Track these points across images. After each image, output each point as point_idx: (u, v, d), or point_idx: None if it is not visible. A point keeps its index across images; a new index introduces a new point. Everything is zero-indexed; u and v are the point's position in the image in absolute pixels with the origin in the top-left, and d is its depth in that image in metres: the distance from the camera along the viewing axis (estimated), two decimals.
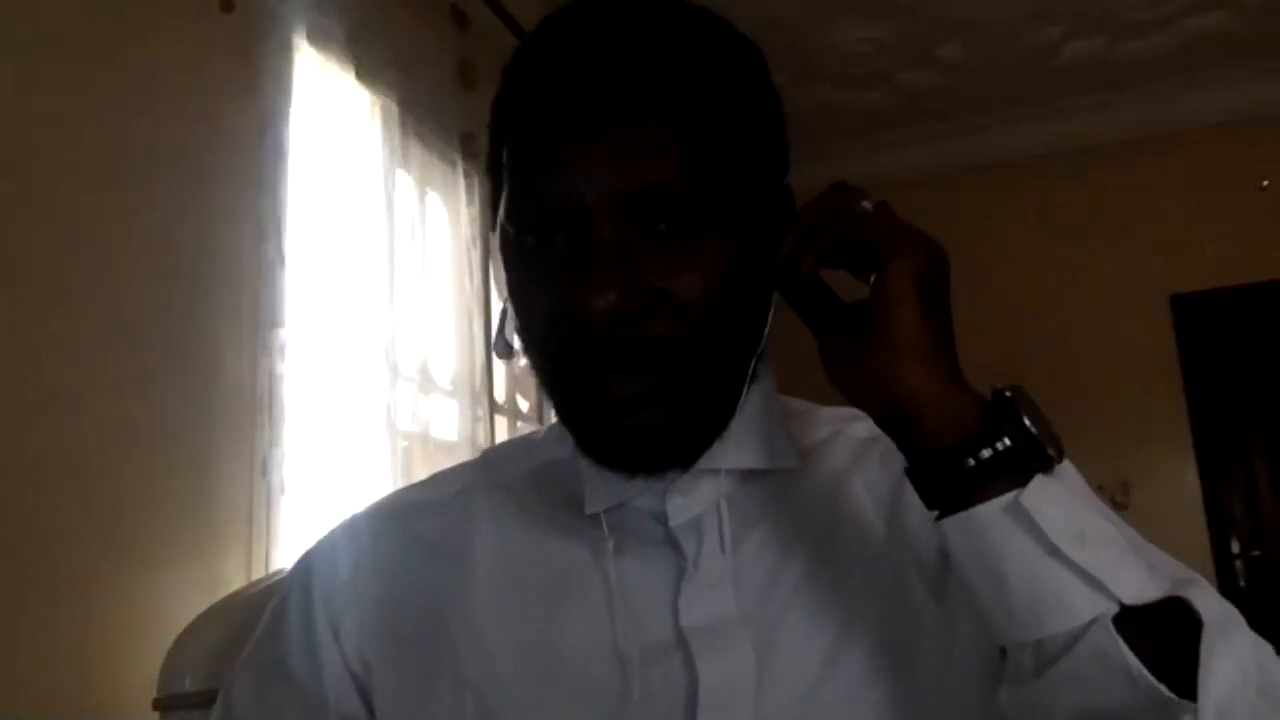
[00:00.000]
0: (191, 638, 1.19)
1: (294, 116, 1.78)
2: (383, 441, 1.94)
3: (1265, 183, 3.80)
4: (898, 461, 0.58)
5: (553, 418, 0.63)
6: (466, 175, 2.46)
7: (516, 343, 0.62)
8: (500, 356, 0.64)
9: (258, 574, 1.57)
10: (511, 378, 2.60)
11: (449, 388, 2.31)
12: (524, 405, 2.64)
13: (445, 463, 2.30)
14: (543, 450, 0.67)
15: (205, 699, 1.11)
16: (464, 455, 2.25)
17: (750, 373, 0.60)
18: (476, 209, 2.46)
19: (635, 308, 0.53)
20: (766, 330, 0.59)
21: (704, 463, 0.59)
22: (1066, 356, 3.83)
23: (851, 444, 0.66)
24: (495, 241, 0.62)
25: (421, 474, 2.08)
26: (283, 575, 1.38)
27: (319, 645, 0.62)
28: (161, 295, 1.52)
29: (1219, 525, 3.68)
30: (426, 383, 2.19)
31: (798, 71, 3.61)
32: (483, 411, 2.35)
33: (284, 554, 1.61)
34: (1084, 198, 3.98)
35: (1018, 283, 3.97)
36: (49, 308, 1.35)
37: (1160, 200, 3.91)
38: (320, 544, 0.67)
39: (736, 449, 0.60)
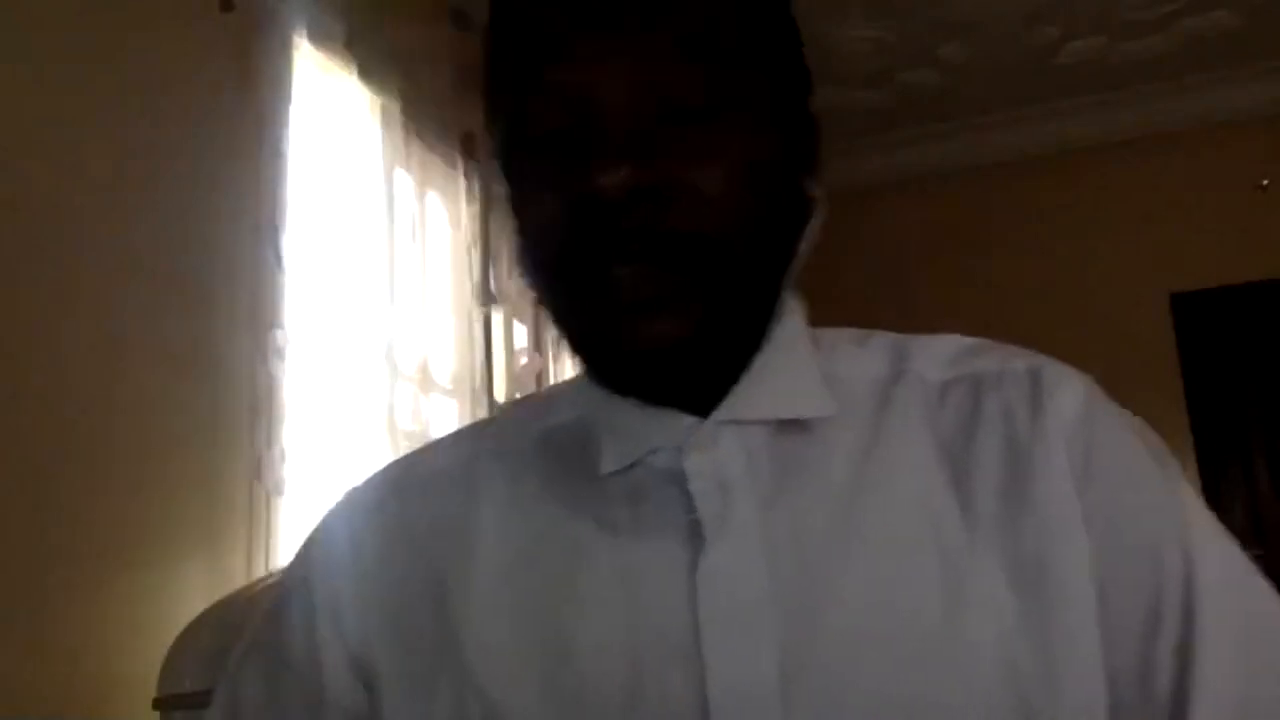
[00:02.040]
0: (191, 638, 1.20)
1: (294, 116, 1.78)
2: (384, 441, 1.94)
3: (1265, 182, 3.80)
4: (981, 409, 0.54)
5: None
6: (466, 175, 2.46)
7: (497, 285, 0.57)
8: (483, 305, 0.62)
9: (258, 574, 1.57)
10: (511, 378, 2.60)
11: (449, 387, 2.32)
12: None
13: None
14: (554, 412, 0.61)
15: (205, 699, 1.11)
16: None
17: (781, 295, 0.54)
18: (476, 209, 2.45)
19: (650, 184, 0.48)
20: (801, 250, 0.55)
21: (726, 412, 0.53)
22: (1066, 356, 3.78)
23: (920, 387, 0.56)
24: (498, 207, 0.57)
25: None
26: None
27: (319, 636, 0.57)
28: (161, 295, 1.52)
29: None
30: (426, 382, 2.19)
31: None
32: (483, 411, 2.35)
33: (284, 554, 1.61)
34: (1084, 198, 3.98)
35: (1017, 282, 3.96)
36: (48, 308, 1.34)
37: (1160, 200, 3.91)
38: (321, 525, 0.62)
39: (764, 394, 0.53)
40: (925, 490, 0.53)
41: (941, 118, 4.01)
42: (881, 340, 0.59)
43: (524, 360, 2.64)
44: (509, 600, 0.54)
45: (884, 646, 0.49)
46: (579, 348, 0.54)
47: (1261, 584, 0.53)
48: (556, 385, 0.65)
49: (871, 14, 3.32)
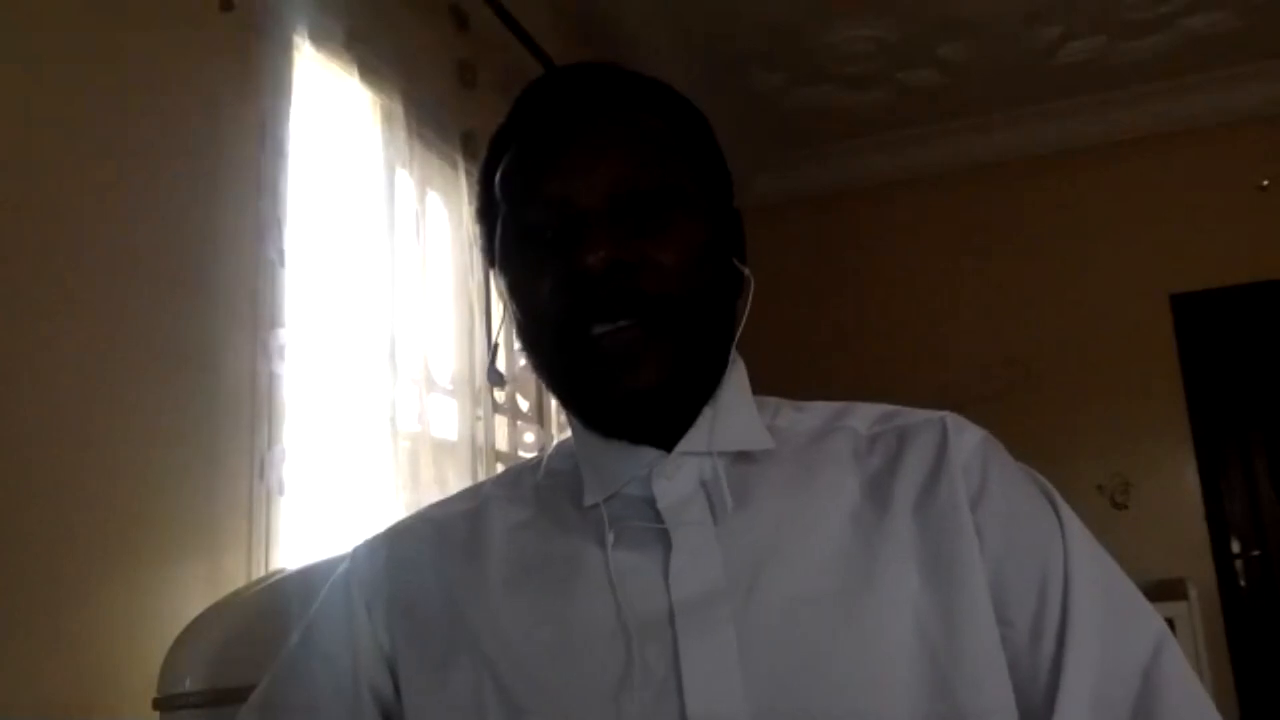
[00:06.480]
0: (191, 638, 1.19)
1: (294, 116, 1.77)
2: (385, 441, 1.94)
3: (1265, 183, 3.80)
4: (905, 450, 0.69)
5: (553, 424, 0.68)
6: (467, 175, 2.45)
7: (505, 367, 0.71)
8: (494, 385, 0.76)
9: (258, 574, 1.57)
10: (511, 378, 2.59)
11: (449, 387, 2.31)
12: (524, 405, 2.63)
13: (447, 463, 2.27)
14: (550, 465, 0.77)
15: (205, 699, 1.11)
16: (464, 455, 2.25)
17: (730, 350, 0.70)
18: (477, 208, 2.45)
19: (623, 258, 0.63)
20: (742, 317, 0.71)
21: (685, 446, 0.68)
22: (1067, 356, 3.83)
23: (851, 436, 0.72)
24: (493, 275, 0.72)
25: (425, 473, 2.05)
26: (283, 575, 1.39)
27: (354, 618, 0.71)
28: (161, 295, 1.52)
29: (1219, 525, 3.68)
30: (427, 382, 2.18)
31: (798, 71, 3.61)
32: (483, 411, 2.35)
33: (284, 554, 1.61)
34: (1084, 197, 3.98)
35: (1018, 282, 3.97)
36: (49, 308, 1.35)
37: (1160, 200, 3.91)
38: (362, 544, 0.77)
39: (715, 432, 0.68)
40: (852, 504, 0.67)
41: (941, 118, 4.02)
42: (819, 405, 0.76)
43: (524, 361, 2.63)
44: (517, 599, 0.68)
45: (816, 610, 0.62)
46: (573, 401, 0.70)
47: (1124, 583, 0.67)
48: (551, 448, 0.79)
49: (872, 14, 3.32)
